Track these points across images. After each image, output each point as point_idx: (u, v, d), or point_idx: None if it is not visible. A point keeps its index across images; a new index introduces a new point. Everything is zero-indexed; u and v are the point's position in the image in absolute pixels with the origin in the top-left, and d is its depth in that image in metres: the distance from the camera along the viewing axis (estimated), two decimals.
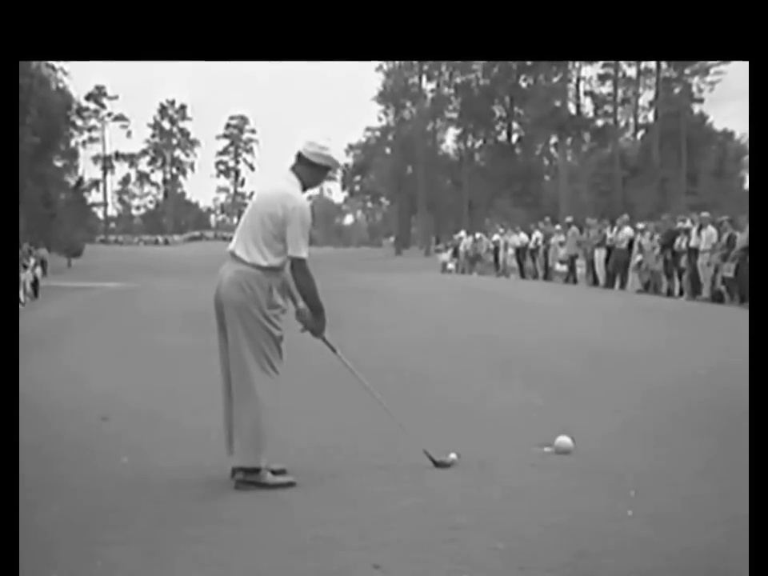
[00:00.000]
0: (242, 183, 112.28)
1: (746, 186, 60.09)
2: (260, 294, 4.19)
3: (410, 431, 4.69)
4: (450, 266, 30.97)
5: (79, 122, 71.74)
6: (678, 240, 17.08)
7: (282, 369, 4.32)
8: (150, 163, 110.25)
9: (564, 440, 4.93)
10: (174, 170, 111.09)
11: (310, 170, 4.34)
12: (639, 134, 64.93)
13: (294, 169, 4.35)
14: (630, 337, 10.24)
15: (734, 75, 61.58)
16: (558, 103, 61.66)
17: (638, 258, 18.22)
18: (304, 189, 4.34)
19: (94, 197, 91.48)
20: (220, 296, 4.28)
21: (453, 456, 4.63)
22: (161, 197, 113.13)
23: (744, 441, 4.63)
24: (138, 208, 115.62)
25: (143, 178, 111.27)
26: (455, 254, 30.87)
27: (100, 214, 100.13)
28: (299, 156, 4.35)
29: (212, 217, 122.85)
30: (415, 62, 66.91)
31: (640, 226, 18.89)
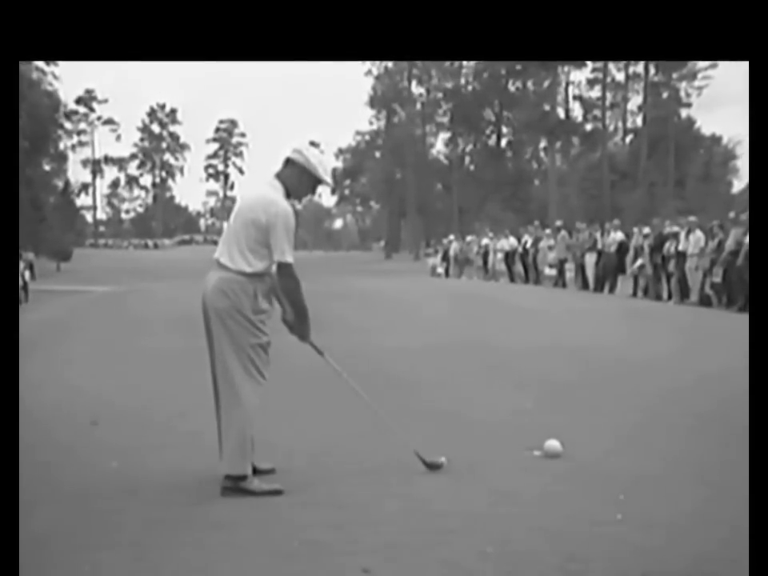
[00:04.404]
0: (232, 187, 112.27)
1: (733, 190, 60.52)
2: (245, 300, 4.18)
3: (400, 434, 4.70)
4: (440, 269, 30.97)
5: (68, 126, 71.69)
6: (667, 244, 17.16)
7: (269, 374, 4.30)
8: (139, 167, 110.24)
9: (553, 444, 4.94)
10: (164, 174, 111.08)
11: (296, 175, 4.32)
12: (628, 139, 65.28)
13: (279, 175, 4.35)
14: (620, 341, 10.26)
15: (722, 80, 61.96)
16: (547, 107, 61.93)
17: (639, 261, 18.19)
18: (288, 196, 4.32)
19: (84, 200, 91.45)
20: (205, 303, 4.27)
21: (442, 460, 4.64)
22: (150, 200, 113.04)
23: (734, 445, 4.66)
24: (127, 212, 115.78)
25: (132, 181, 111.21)
26: (445, 257, 30.87)
27: (89, 217, 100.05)
28: (286, 161, 4.35)
29: (201, 220, 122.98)
30: (404, 66, 67.03)
31: (646, 230, 18.75)
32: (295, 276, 4.25)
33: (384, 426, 4.72)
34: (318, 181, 4.40)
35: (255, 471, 4.36)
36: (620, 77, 62.45)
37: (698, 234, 16.18)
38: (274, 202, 4.22)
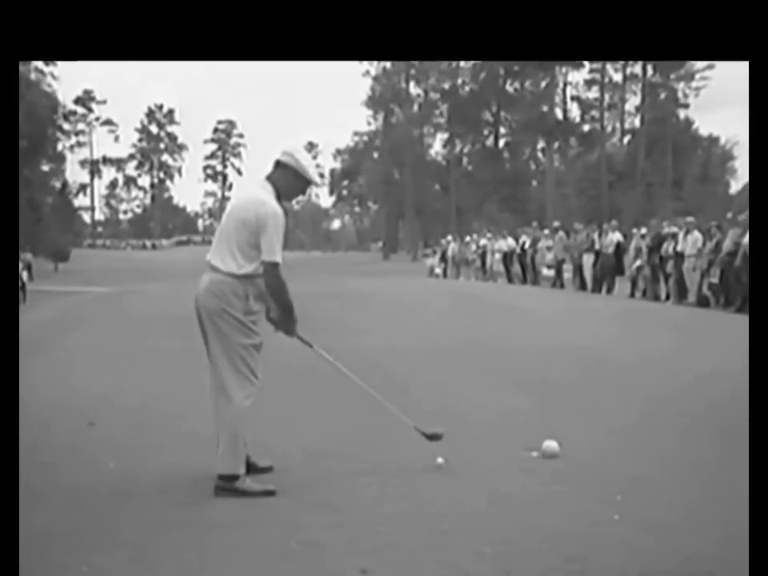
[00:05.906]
0: (230, 188, 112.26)
1: (731, 191, 60.65)
2: (235, 302, 4.20)
3: (396, 413, 4.73)
4: (438, 270, 31.00)
5: (67, 126, 71.72)
6: (665, 245, 17.17)
7: (262, 374, 4.31)
8: (137, 167, 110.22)
9: (551, 445, 4.94)
10: (162, 175, 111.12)
11: (286, 177, 4.34)
12: (625, 139, 65.35)
13: (269, 177, 4.37)
14: (618, 342, 10.27)
15: (720, 81, 62.06)
16: (545, 108, 62.00)
17: (638, 262, 18.21)
18: (278, 197, 4.33)
19: (82, 201, 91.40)
20: (198, 305, 4.30)
21: (440, 461, 4.64)
22: (148, 201, 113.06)
23: (731, 445, 4.66)
24: (125, 212, 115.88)
25: (130, 182, 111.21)
26: (443, 258, 30.89)
27: (87, 218, 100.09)
28: (276, 163, 4.38)
29: (199, 221, 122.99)
30: (402, 67, 67.04)
31: (643, 230, 18.76)
32: (280, 276, 4.26)
33: (381, 421, 4.72)
34: (309, 182, 4.44)
35: (254, 469, 4.38)
36: (618, 77, 62.52)
37: (696, 234, 16.20)
38: (265, 202, 4.24)
